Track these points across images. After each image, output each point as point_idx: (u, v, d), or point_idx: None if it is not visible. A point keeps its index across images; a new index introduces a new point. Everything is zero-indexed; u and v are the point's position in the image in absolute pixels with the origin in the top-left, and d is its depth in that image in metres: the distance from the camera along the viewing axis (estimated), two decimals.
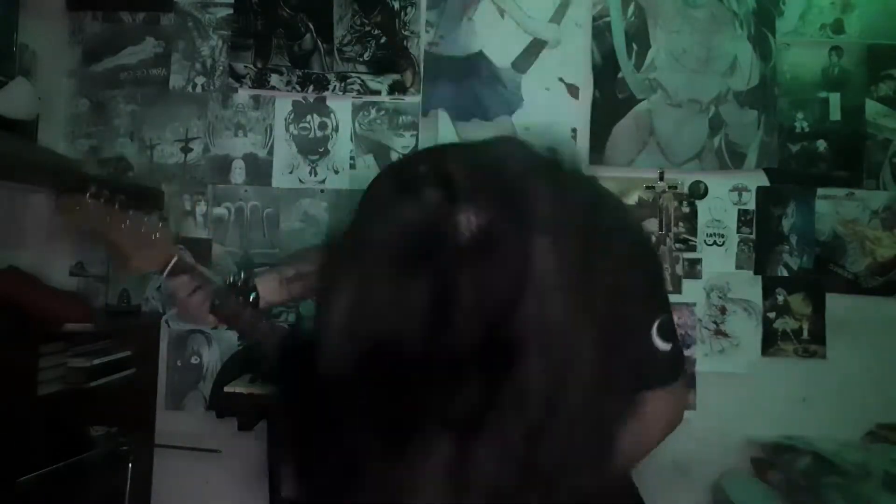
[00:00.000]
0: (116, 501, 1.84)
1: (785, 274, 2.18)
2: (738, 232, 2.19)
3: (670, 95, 2.19)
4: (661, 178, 2.19)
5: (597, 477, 0.61)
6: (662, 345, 0.96)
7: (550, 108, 2.19)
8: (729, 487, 2.00)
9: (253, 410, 1.82)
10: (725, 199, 2.20)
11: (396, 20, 2.22)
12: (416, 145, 2.23)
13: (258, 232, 2.22)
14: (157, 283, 2.21)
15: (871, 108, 2.19)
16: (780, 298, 2.17)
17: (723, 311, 2.17)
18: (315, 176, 2.23)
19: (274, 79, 2.21)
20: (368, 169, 2.23)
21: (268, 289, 1.20)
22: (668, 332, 0.97)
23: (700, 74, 2.19)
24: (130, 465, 1.87)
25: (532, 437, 0.49)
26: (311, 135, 2.24)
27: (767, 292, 2.17)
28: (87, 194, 1.02)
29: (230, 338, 2.20)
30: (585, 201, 0.81)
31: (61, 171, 2.02)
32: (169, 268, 1.08)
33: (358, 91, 2.22)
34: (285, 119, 2.23)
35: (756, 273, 2.18)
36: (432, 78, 2.22)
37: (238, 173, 2.23)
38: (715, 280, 2.18)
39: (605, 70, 2.20)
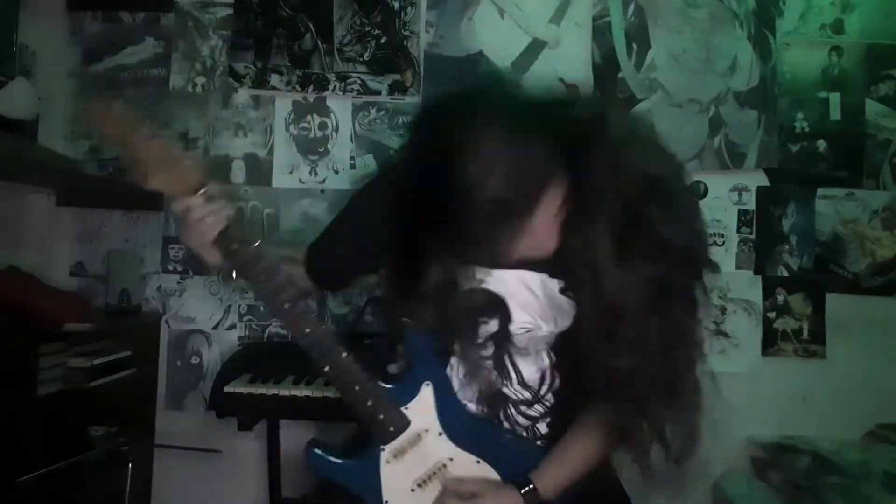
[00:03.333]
0: (116, 501, 1.84)
1: (785, 274, 2.18)
2: (738, 232, 2.19)
3: (670, 95, 2.19)
4: None
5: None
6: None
7: None
8: (729, 487, 2.00)
9: (253, 410, 1.81)
10: (725, 199, 2.20)
11: (396, 20, 2.22)
12: None
13: (258, 232, 2.22)
14: (157, 283, 2.21)
15: (871, 108, 2.18)
16: (780, 298, 2.17)
17: (723, 311, 2.17)
18: (315, 176, 2.23)
19: (274, 79, 2.21)
20: (368, 169, 2.23)
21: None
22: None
23: (700, 74, 2.19)
24: (130, 465, 1.86)
25: None
26: (311, 135, 2.24)
27: (767, 292, 2.17)
28: (119, 103, 1.01)
29: (230, 338, 2.20)
30: None
31: (61, 171, 2.02)
32: (196, 196, 1.02)
33: (358, 91, 2.22)
34: (285, 119, 2.23)
35: (756, 273, 2.18)
36: (432, 78, 2.22)
37: (238, 173, 2.23)
38: (715, 280, 2.17)
39: (605, 70, 2.20)
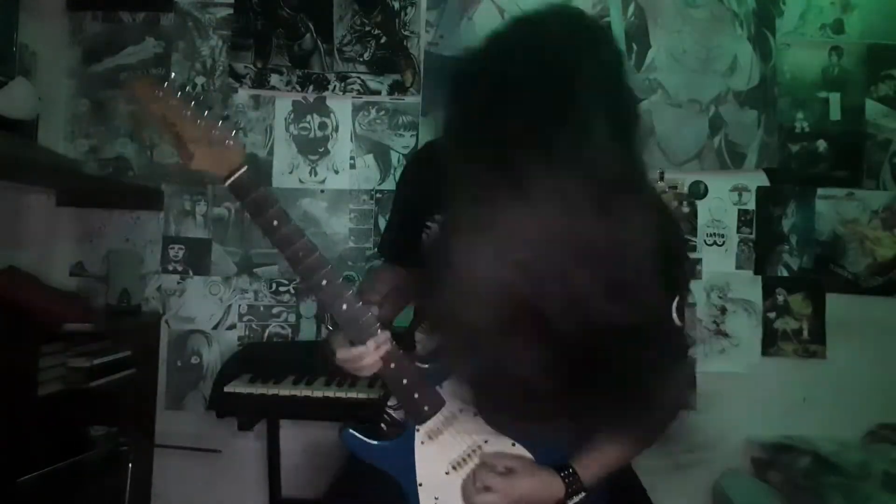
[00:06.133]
0: (116, 501, 1.84)
1: (785, 274, 2.18)
2: (738, 232, 2.19)
3: (670, 95, 2.19)
4: (662, 178, 2.19)
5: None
6: (678, 322, 1.01)
7: None
8: (729, 487, 2.00)
9: (253, 410, 1.81)
10: (725, 199, 2.20)
11: (396, 20, 2.22)
12: (416, 145, 2.23)
13: (258, 232, 2.21)
14: (158, 283, 2.21)
15: (871, 108, 2.18)
16: (780, 298, 2.17)
17: (723, 311, 2.17)
18: (315, 176, 2.23)
19: (274, 79, 2.21)
20: (368, 169, 2.23)
21: None
22: (682, 311, 1.02)
23: (700, 74, 2.19)
24: (130, 465, 1.86)
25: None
26: (311, 135, 2.24)
27: (767, 292, 2.17)
28: (167, 83, 1.01)
29: (230, 338, 2.20)
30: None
31: (61, 171, 2.02)
32: (233, 178, 1.03)
33: (358, 91, 2.22)
34: (285, 119, 2.23)
35: (756, 273, 2.18)
36: (432, 78, 2.22)
37: None
38: (715, 280, 2.18)
39: None
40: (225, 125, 1.03)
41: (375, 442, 1.07)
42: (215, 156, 1.02)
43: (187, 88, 1.05)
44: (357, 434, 1.07)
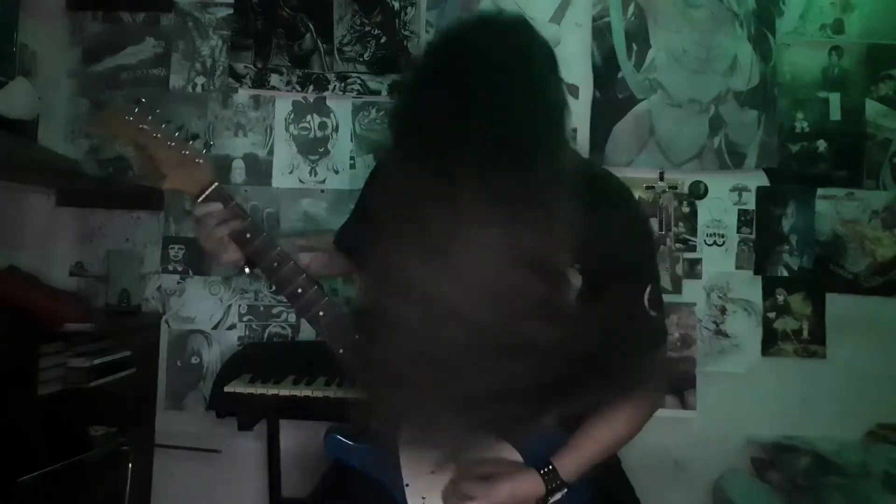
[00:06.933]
0: (116, 501, 1.84)
1: (785, 274, 2.18)
2: (738, 232, 2.19)
3: (670, 95, 2.19)
4: (661, 178, 2.19)
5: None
6: (651, 312, 1.01)
7: None
8: (729, 487, 2.00)
9: (253, 410, 1.81)
10: (725, 199, 2.20)
11: (396, 20, 2.22)
12: None
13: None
14: (157, 283, 2.21)
15: (871, 108, 2.18)
16: (780, 298, 2.17)
17: (723, 311, 2.17)
18: (315, 176, 2.23)
19: (274, 79, 2.21)
20: (368, 169, 2.23)
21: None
22: (655, 301, 1.01)
23: (700, 74, 2.19)
24: (130, 465, 1.86)
25: None
26: (311, 135, 2.24)
27: (767, 292, 2.17)
28: (135, 108, 1.05)
29: (230, 338, 2.20)
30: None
31: (61, 171, 2.02)
32: (205, 195, 1.06)
33: (358, 91, 2.22)
34: (285, 119, 2.23)
35: (756, 273, 2.18)
36: None
37: (238, 173, 2.23)
38: (715, 280, 2.18)
39: (605, 70, 2.20)
40: (195, 144, 1.07)
41: (361, 446, 1.08)
42: (186, 175, 1.06)
43: (149, 111, 1.10)
44: (342, 439, 1.08)
